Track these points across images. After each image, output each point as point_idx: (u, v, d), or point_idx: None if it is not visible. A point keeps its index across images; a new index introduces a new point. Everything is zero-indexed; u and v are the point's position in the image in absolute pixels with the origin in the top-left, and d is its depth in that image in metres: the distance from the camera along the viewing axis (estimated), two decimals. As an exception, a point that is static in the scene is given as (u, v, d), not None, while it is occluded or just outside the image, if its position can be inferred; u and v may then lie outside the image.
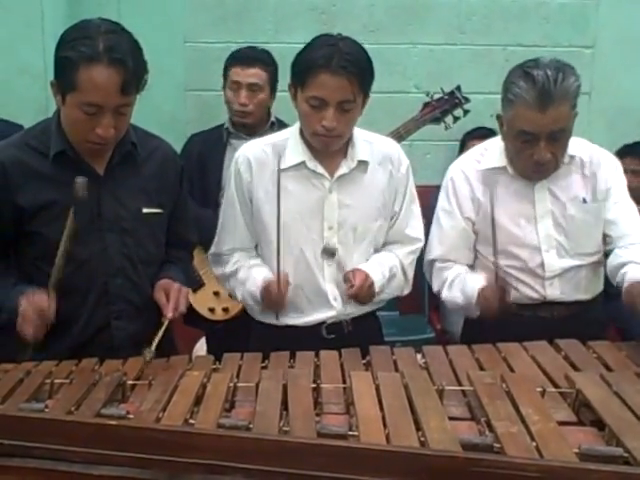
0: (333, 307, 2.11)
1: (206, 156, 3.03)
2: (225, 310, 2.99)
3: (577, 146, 2.19)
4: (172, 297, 1.92)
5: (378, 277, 2.09)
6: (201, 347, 3.56)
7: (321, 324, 2.11)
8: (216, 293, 2.97)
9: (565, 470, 1.14)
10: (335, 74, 1.90)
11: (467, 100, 3.35)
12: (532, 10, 3.75)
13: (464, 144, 3.65)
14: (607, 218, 2.20)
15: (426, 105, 3.38)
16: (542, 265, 2.18)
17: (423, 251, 2.32)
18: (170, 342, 2.14)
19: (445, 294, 2.26)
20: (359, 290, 2.02)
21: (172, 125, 3.61)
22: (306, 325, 2.10)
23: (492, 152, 2.24)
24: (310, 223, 2.08)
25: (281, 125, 2.98)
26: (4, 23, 3.34)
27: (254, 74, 3.04)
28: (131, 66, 1.77)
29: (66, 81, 1.78)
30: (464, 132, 3.68)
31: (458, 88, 3.40)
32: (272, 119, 3.11)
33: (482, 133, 3.52)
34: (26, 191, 1.89)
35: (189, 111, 3.80)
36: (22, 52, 3.39)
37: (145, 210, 2.00)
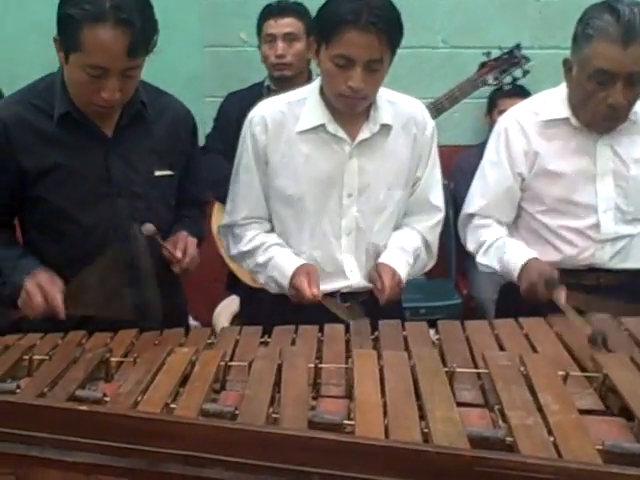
0: (348, 278, 2.00)
1: (245, 115, 2.92)
2: None
3: None
4: (180, 242, 1.89)
5: (404, 269, 1.97)
6: (220, 313, 3.46)
7: (335, 292, 1.99)
8: None
9: (584, 473, 0.99)
10: (364, 31, 1.75)
11: (527, 59, 3.17)
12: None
13: (493, 102, 3.47)
14: None
15: (483, 65, 3.25)
16: (597, 226, 2.05)
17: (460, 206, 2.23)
18: (180, 311, 2.08)
19: (480, 259, 2.16)
20: (390, 295, 1.88)
21: (190, 84, 3.47)
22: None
23: (552, 103, 2.10)
24: (328, 190, 1.96)
25: None
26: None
27: (288, 24, 3.01)
28: (139, 26, 1.65)
29: (69, 40, 1.67)
30: (493, 89, 3.48)
31: (518, 47, 3.24)
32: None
33: (514, 91, 3.33)
34: (30, 153, 1.80)
35: (207, 69, 3.64)
36: (32, 8, 3.30)
37: (157, 173, 1.92)
